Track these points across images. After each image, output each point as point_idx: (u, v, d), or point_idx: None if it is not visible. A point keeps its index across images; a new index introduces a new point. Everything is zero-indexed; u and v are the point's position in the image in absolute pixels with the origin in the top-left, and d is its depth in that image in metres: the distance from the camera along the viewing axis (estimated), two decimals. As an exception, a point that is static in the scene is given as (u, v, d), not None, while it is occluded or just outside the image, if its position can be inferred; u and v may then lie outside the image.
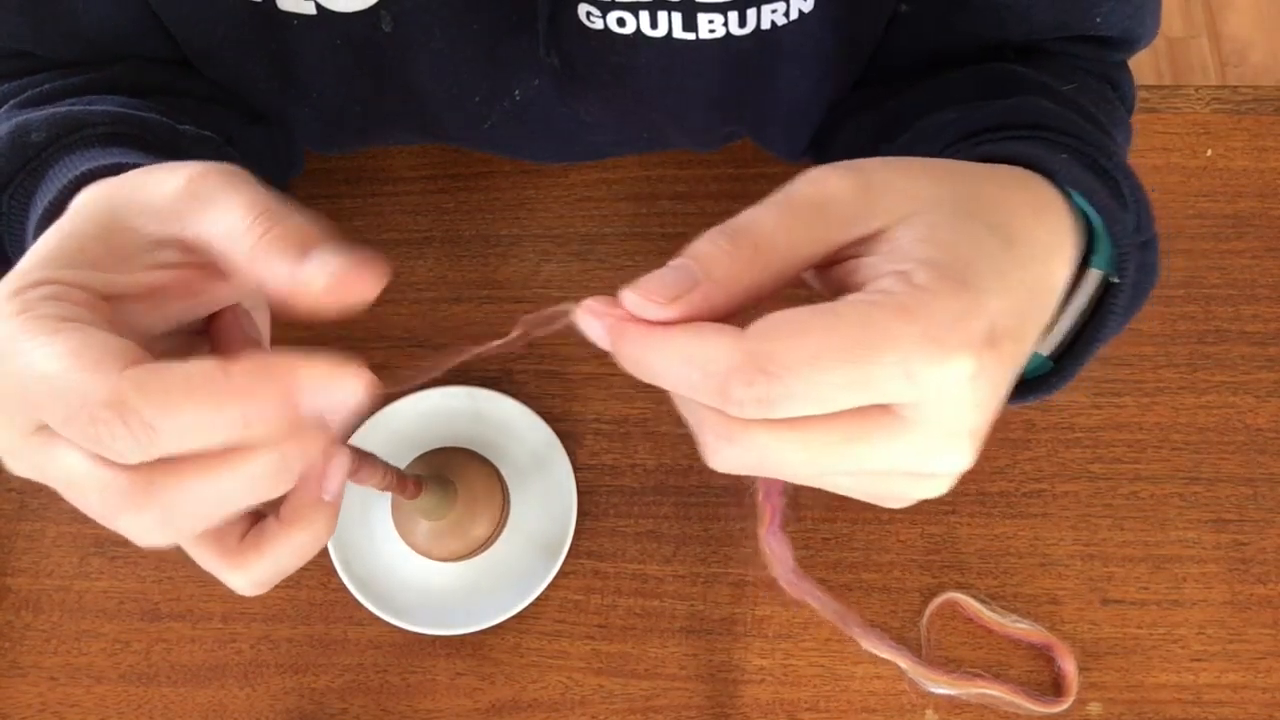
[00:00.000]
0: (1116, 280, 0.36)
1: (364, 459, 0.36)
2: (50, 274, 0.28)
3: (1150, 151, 0.63)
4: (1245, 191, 0.62)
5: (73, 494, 0.27)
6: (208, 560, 0.31)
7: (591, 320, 0.28)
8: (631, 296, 0.28)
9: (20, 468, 0.28)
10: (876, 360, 0.26)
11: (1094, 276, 0.37)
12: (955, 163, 0.32)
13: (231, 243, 0.28)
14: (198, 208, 0.29)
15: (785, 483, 0.36)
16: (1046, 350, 0.38)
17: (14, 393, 0.26)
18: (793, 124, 0.53)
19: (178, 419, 0.25)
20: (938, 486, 0.30)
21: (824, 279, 0.30)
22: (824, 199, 0.28)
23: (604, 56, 0.45)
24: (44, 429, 0.27)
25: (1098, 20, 0.44)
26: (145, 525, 0.27)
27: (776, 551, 0.37)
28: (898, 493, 0.30)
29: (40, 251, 0.29)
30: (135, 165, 0.34)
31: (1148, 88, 0.64)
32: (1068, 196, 0.35)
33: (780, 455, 0.27)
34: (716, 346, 0.27)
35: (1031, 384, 0.39)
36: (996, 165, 0.34)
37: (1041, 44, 0.46)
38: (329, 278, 0.27)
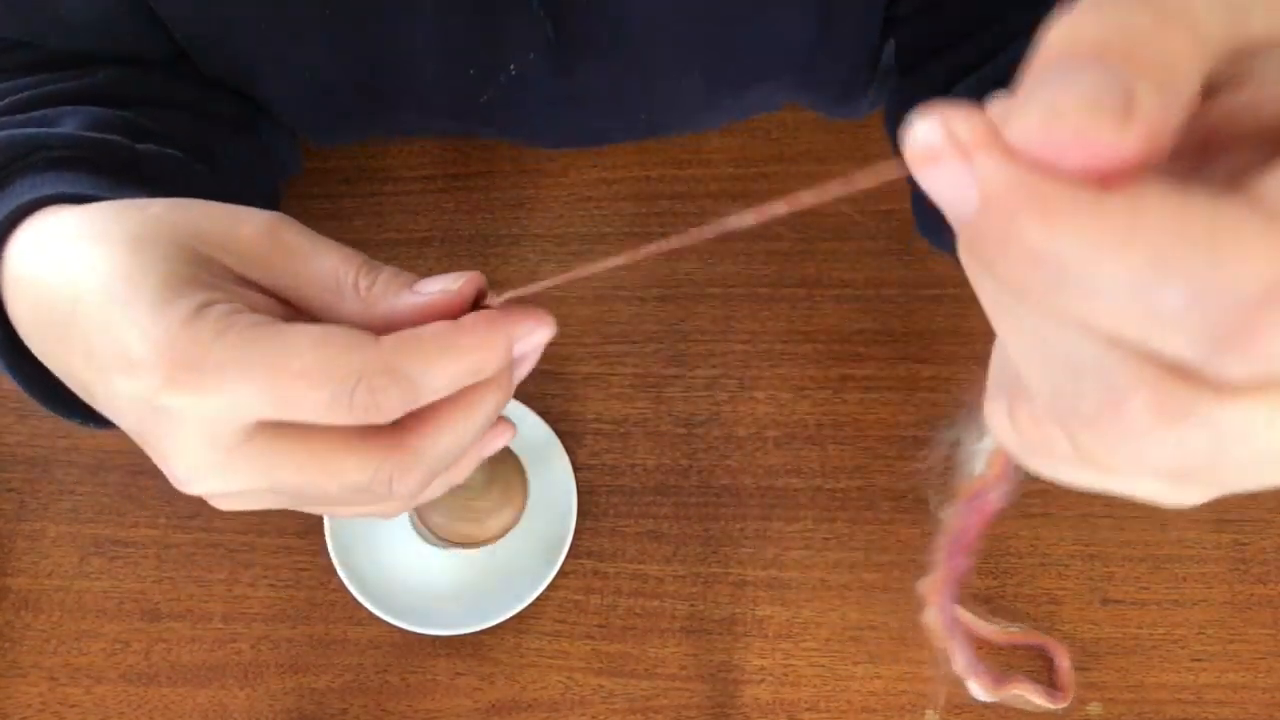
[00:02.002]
0: None
1: None
2: (207, 296, 0.28)
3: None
4: (1245, 191, 0.62)
5: (321, 481, 0.28)
6: (350, 473, 0.29)
7: (950, 170, 0.17)
8: (1031, 116, 0.16)
9: (226, 483, 0.29)
10: None
11: None
12: None
13: (339, 292, 0.30)
14: (289, 258, 0.30)
15: (973, 539, 0.28)
16: None
17: (244, 398, 0.27)
18: (808, 75, 0.52)
19: (435, 373, 0.28)
20: None
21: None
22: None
23: (597, 10, 0.45)
24: (262, 430, 0.28)
25: None
26: (414, 484, 0.30)
27: (952, 635, 0.31)
28: None
29: (164, 286, 0.28)
30: (85, 196, 0.34)
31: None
32: None
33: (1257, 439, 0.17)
34: (1247, 242, 0.15)
35: None
36: None
37: None
38: (446, 290, 0.30)
